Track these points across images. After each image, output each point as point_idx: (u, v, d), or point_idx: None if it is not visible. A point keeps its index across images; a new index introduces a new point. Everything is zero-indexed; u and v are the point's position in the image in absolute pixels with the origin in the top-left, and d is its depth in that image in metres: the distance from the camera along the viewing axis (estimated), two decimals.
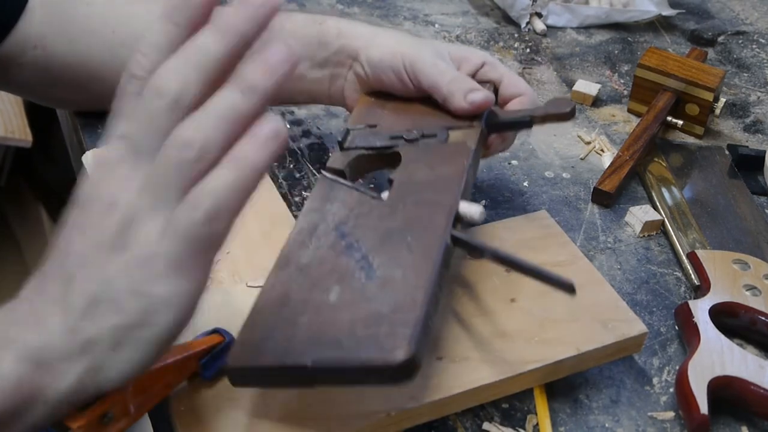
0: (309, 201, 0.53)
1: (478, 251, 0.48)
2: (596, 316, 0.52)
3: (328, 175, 0.55)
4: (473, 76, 0.62)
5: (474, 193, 0.69)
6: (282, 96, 0.66)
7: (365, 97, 0.63)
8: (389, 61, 0.60)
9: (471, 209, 0.49)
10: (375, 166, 0.58)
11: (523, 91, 0.62)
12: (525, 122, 0.59)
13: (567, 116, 0.58)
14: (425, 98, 0.61)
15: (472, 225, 0.50)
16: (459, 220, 0.49)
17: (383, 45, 0.61)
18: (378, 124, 0.60)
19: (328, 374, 0.41)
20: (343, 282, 0.45)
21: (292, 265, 0.47)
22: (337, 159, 0.57)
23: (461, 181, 0.51)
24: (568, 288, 0.44)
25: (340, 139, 0.59)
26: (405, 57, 0.60)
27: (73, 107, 0.71)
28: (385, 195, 0.52)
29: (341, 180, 0.55)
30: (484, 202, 0.68)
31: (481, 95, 0.58)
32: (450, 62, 0.61)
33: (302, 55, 0.64)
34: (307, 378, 0.42)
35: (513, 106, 0.62)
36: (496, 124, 0.59)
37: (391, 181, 0.53)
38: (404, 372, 0.40)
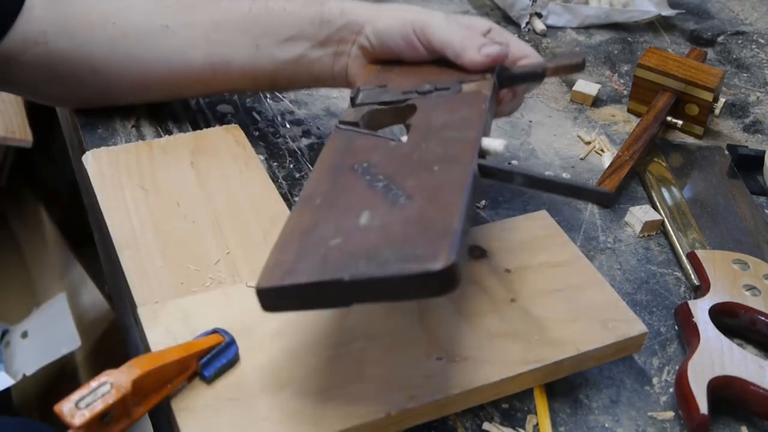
0: (323, 154, 0.51)
1: (507, 176, 0.47)
2: (596, 316, 0.52)
3: (342, 126, 0.54)
4: None
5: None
6: (286, 79, 0.67)
7: (371, 66, 0.64)
8: (398, 28, 0.61)
9: (494, 143, 0.49)
10: (389, 120, 0.58)
11: (529, 54, 0.63)
12: (537, 74, 0.59)
13: (578, 67, 0.58)
14: (433, 62, 0.61)
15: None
16: (482, 156, 0.49)
17: (389, 16, 0.62)
18: (387, 84, 0.60)
19: (366, 289, 0.39)
20: (372, 207, 0.44)
21: (316, 199, 0.46)
22: (350, 113, 0.56)
23: (481, 118, 0.51)
24: (607, 196, 0.43)
25: (352, 95, 0.58)
26: (415, 22, 0.61)
27: (74, 104, 0.71)
28: (404, 138, 0.51)
29: (356, 129, 0.53)
30: (484, 202, 0.68)
31: (495, 47, 0.59)
32: (460, 24, 0.62)
33: (303, 34, 0.64)
34: (344, 295, 0.40)
35: (524, 63, 0.63)
36: (508, 78, 0.59)
37: (408, 126, 0.53)
38: (446, 281, 0.38)
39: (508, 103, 0.63)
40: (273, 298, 0.41)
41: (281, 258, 0.42)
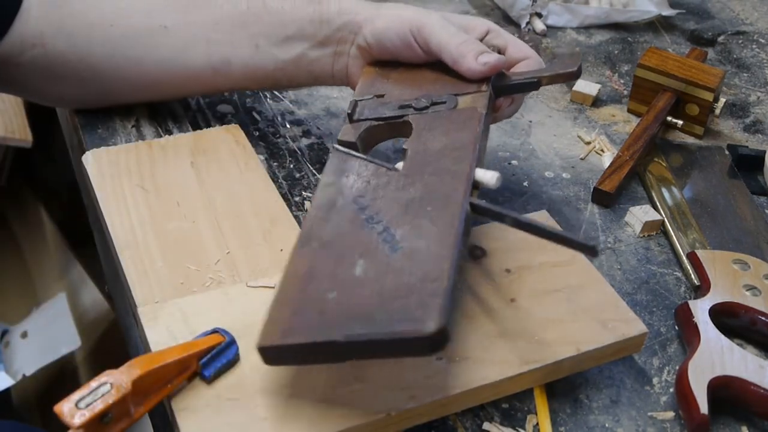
0: (324, 175, 0.52)
1: (498, 217, 0.48)
2: (596, 316, 0.52)
3: (340, 148, 0.55)
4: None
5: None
6: (286, 79, 0.67)
7: (369, 68, 0.64)
8: (395, 28, 0.61)
9: (486, 176, 0.50)
10: (386, 135, 0.59)
11: (528, 55, 0.63)
12: (532, 83, 0.59)
13: (574, 75, 0.58)
14: (430, 64, 0.61)
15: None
16: (476, 187, 0.50)
17: (387, 15, 0.62)
18: (385, 93, 0.60)
19: (360, 348, 0.41)
20: (367, 255, 0.45)
21: (314, 242, 0.47)
22: (347, 131, 0.57)
23: (475, 148, 0.52)
24: (591, 251, 0.45)
25: (348, 110, 0.59)
26: (412, 23, 0.60)
27: (74, 105, 0.71)
28: (399, 165, 0.52)
29: (354, 153, 0.54)
30: (484, 202, 0.68)
31: (494, 57, 0.59)
32: (458, 27, 0.62)
33: (303, 34, 0.64)
34: (339, 353, 0.41)
35: (519, 69, 0.62)
36: (503, 87, 0.59)
37: (404, 151, 0.53)
38: (435, 342, 0.40)
39: (507, 108, 0.63)
40: (273, 356, 0.43)
41: (281, 315, 0.44)
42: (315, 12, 0.64)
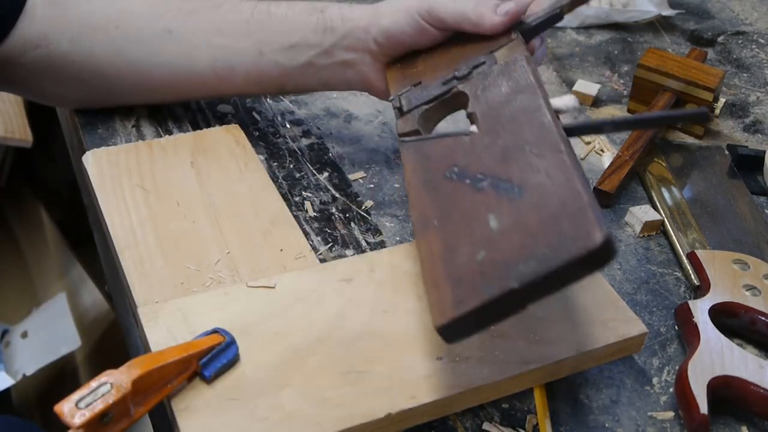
0: (406, 168, 0.52)
1: (596, 129, 0.48)
2: (596, 316, 0.52)
3: (407, 139, 0.55)
4: None
5: None
6: (293, 85, 0.67)
7: (392, 69, 0.64)
8: (403, 19, 0.61)
9: (563, 101, 0.51)
10: (443, 113, 0.58)
11: None
12: (556, 15, 0.60)
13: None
14: (447, 41, 0.61)
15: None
16: (556, 115, 0.50)
17: (390, 11, 0.62)
18: (420, 80, 0.60)
19: (536, 288, 0.40)
20: (494, 209, 0.44)
21: (432, 222, 0.47)
22: (405, 123, 0.57)
23: (539, 83, 0.52)
24: (702, 115, 0.46)
25: (396, 105, 0.59)
26: (419, 7, 0.60)
27: (76, 105, 0.71)
28: (473, 128, 0.52)
29: (422, 137, 0.54)
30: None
31: (511, 4, 0.59)
32: None
33: (307, 42, 0.64)
34: (515, 302, 0.41)
35: (534, 8, 0.62)
36: (530, 30, 0.59)
37: (471, 116, 0.53)
38: (606, 252, 0.39)
39: (538, 50, 0.63)
40: (454, 331, 0.42)
41: (443, 294, 0.43)
42: (318, 20, 0.64)
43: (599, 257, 0.39)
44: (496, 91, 0.53)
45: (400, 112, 0.58)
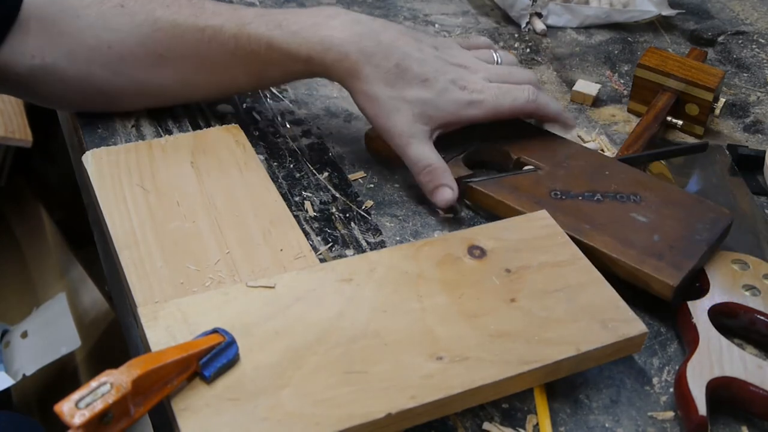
0: (502, 199, 0.62)
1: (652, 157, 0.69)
2: (596, 316, 0.52)
3: (473, 181, 0.64)
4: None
5: None
6: (288, 83, 0.70)
7: None
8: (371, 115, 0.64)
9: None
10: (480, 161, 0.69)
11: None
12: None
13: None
14: None
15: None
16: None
17: (359, 94, 0.64)
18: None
19: (712, 248, 0.59)
20: (629, 210, 0.60)
21: (586, 225, 0.59)
22: (456, 169, 0.65)
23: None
24: (701, 147, 0.66)
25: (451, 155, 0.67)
26: (377, 126, 0.64)
27: (75, 110, 0.71)
28: (526, 168, 0.66)
29: (487, 177, 0.65)
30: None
31: (447, 195, 0.63)
32: (424, 122, 0.63)
33: (293, 73, 0.66)
34: (703, 259, 0.58)
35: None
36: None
37: (517, 161, 0.67)
38: (730, 226, 0.61)
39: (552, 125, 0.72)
40: (679, 292, 0.56)
41: (654, 269, 0.56)
42: (301, 47, 0.62)
43: (729, 228, 0.60)
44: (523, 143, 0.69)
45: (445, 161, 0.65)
